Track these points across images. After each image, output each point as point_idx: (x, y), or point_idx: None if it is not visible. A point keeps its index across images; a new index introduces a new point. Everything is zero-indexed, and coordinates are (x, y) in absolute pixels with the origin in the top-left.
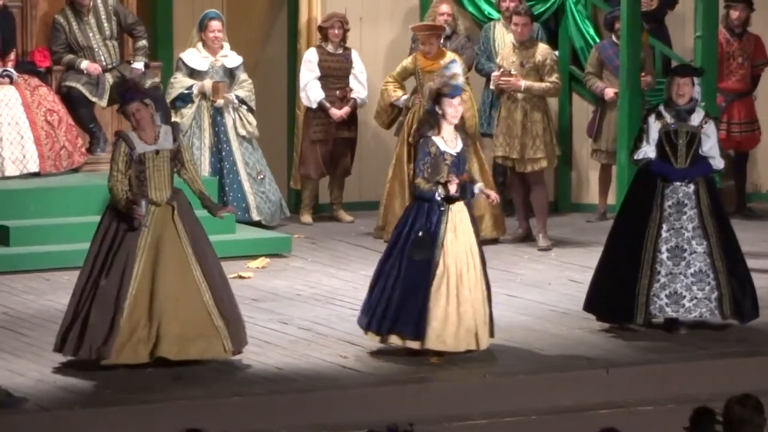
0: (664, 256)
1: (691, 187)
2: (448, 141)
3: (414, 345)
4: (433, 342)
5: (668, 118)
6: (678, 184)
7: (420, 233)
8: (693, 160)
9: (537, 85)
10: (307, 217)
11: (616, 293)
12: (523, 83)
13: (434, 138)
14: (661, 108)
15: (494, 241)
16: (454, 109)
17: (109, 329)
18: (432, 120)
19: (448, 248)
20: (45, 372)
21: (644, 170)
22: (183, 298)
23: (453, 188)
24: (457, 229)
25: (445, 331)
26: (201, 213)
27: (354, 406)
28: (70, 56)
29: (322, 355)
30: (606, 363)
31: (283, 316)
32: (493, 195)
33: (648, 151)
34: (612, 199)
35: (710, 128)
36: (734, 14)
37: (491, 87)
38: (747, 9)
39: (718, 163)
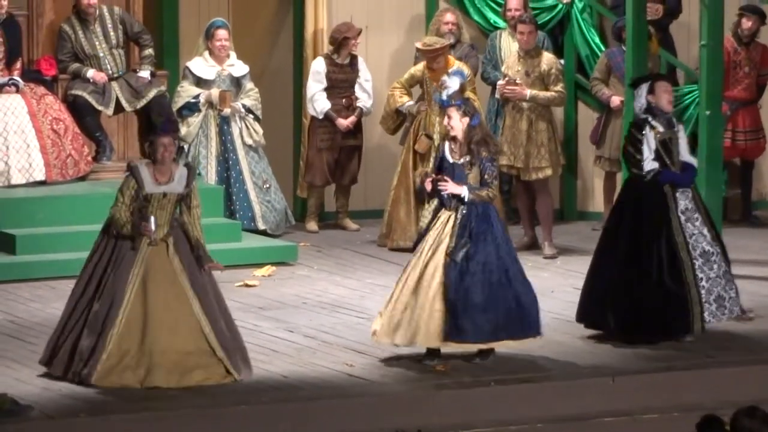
0: (699, 262)
1: (690, 192)
2: (453, 149)
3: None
4: (382, 336)
5: (660, 128)
6: (681, 190)
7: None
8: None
9: (542, 94)
10: (312, 225)
11: (664, 309)
12: (528, 92)
13: (446, 142)
14: (650, 119)
15: None
16: (446, 118)
17: (90, 354)
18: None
19: (423, 252)
20: (50, 380)
21: (643, 180)
22: (182, 332)
23: (428, 185)
24: (438, 236)
25: (398, 327)
26: (206, 222)
27: (360, 415)
28: (76, 65)
29: (328, 363)
30: (611, 371)
31: (289, 324)
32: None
33: (653, 162)
34: None
35: (682, 131)
36: (746, 24)
37: (496, 96)
38: (759, 21)
39: (695, 161)
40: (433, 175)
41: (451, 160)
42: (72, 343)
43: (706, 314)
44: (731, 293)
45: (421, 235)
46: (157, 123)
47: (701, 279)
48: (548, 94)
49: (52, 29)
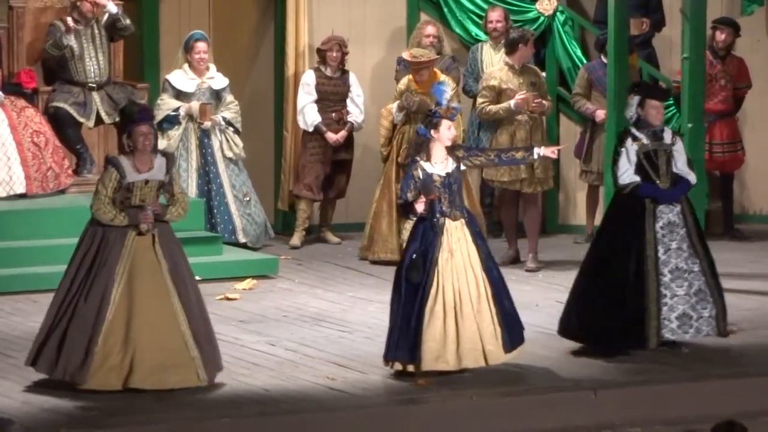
0: (667, 278)
1: (678, 206)
2: (436, 163)
3: (412, 368)
4: (430, 363)
5: (644, 139)
6: (668, 204)
7: (414, 255)
8: (671, 178)
9: (549, 104)
10: (296, 240)
11: (621, 320)
12: (547, 103)
13: (421, 162)
14: (633, 130)
15: None
16: (450, 131)
17: (85, 354)
18: (424, 143)
19: (442, 268)
20: (31, 394)
21: (627, 193)
22: (161, 327)
23: (420, 207)
24: (454, 248)
25: (445, 351)
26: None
27: (341, 428)
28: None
29: (309, 376)
30: (593, 385)
31: (270, 338)
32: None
33: (633, 175)
34: (600, 220)
35: (680, 145)
36: (720, 36)
37: (524, 112)
38: (734, 33)
39: (693, 178)
40: (424, 198)
41: (443, 172)
42: (58, 339)
43: (664, 330)
44: (703, 312)
45: (420, 254)
46: (132, 113)
47: (665, 295)
48: (550, 104)
49: (33, 42)
